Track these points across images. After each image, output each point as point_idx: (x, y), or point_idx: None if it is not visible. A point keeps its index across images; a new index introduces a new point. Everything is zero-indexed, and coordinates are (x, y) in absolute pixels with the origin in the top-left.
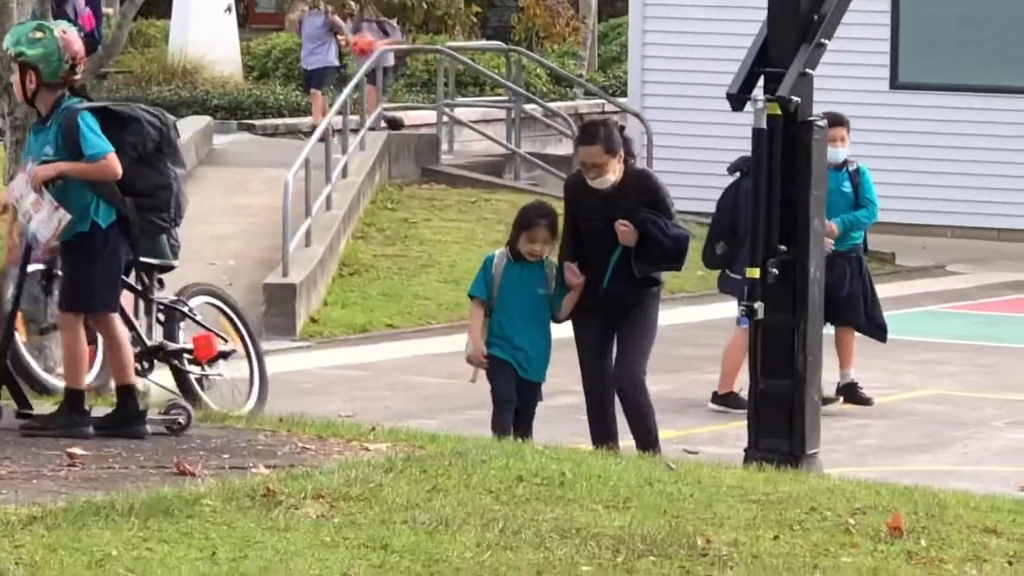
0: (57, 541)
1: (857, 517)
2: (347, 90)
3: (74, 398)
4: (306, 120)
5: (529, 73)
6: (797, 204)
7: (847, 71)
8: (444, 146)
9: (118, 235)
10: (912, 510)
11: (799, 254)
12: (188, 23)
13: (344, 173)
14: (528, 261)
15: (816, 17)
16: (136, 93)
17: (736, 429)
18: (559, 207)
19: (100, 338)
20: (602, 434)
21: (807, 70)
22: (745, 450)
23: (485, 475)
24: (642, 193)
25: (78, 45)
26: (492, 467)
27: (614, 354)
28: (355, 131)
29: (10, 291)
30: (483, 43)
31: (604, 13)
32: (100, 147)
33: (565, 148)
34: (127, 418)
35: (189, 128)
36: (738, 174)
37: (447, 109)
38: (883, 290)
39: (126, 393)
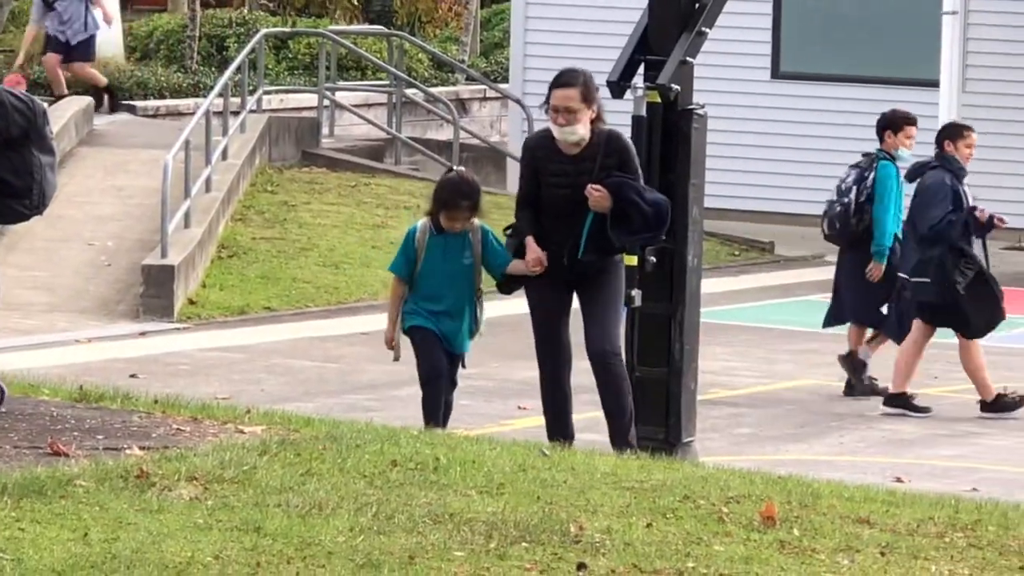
0: None
1: (731, 506)
2: (228, 71)
3: None
4: (188, 102)
5: (411, 58)
6: (676, 193)
7: (728, 60)
8: (325, 130)
9: None
10: (786, 499)
11: (678, 243)
12: None
13: (224, 155)
14: (449, 232)
15: (698, 5)
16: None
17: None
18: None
19: None
20: (557, 412)
21: (688, 58)
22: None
23: (359, 459)
24: (612, 155)
25: None
26: (366, 451)
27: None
28: (235, 113)
29: None
30: (365, 27)
31: None
32: None
33: (446, 133)
34: None
35: (70, 108)
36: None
37: (328, 93)
38: (762, 279)
39: None
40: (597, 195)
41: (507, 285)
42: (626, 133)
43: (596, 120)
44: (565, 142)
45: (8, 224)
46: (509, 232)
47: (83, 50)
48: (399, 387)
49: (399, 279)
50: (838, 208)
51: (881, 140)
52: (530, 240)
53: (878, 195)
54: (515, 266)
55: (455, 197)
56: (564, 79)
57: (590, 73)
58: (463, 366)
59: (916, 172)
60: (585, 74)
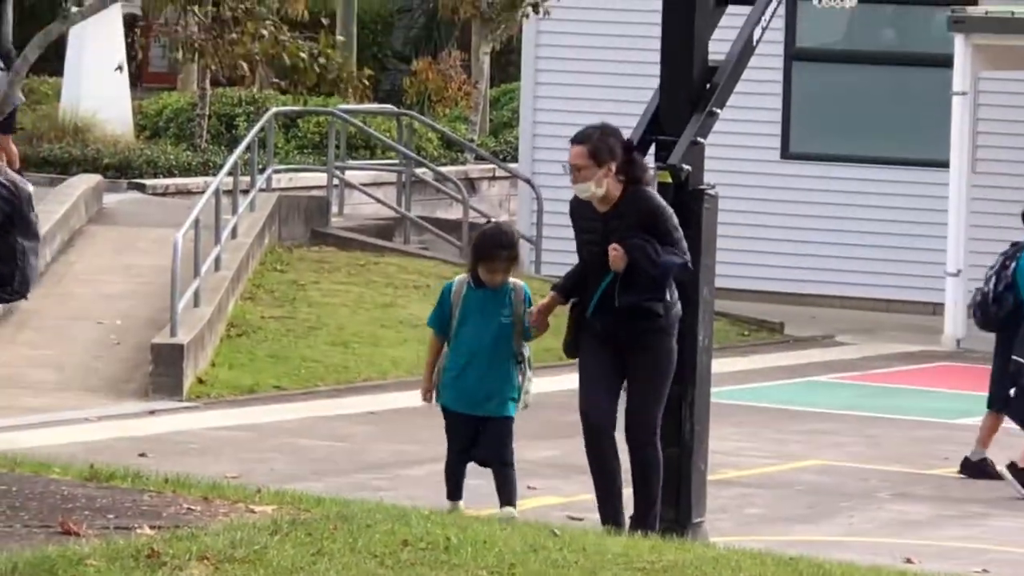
0: None
1: None
2: (238, 150)
3: None
4: (198, 180)
5: (420, 137)
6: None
7: (738, 140)
8: (334, 209)
9: None
10: None
11: (688, 323)
12: (80, 81)
13: (234, 234)
14: (489, 287)
15: (708, 86)
16: (27, 151)
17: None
18: (449, 271)
19: None
20: (601, 475)
21: (699, 139)
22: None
23: (370, 539)
24: (640, 215)
25: None
26: (377, 531)
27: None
28: (245, 192)
29: None
30: (375, 106)
31: (496, 78)
32: None
33: (456, 212)
34: None
35: (79, 186)
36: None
37: (338, 172)
38: (771, 359)
39: None
40: (614, 255)
41: (570, 350)
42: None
43: (629, 177)
44: (581, 197)
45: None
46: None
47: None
48: (409, 466)
49: (436, 334)
50: (979, 297)
51: None
52: (551, 293)
53: (1019, 284)
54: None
55: (493, 247)
56: (577, 136)
57: (613, 130)
58: (509, 434)
59: None
60: (601, 132)
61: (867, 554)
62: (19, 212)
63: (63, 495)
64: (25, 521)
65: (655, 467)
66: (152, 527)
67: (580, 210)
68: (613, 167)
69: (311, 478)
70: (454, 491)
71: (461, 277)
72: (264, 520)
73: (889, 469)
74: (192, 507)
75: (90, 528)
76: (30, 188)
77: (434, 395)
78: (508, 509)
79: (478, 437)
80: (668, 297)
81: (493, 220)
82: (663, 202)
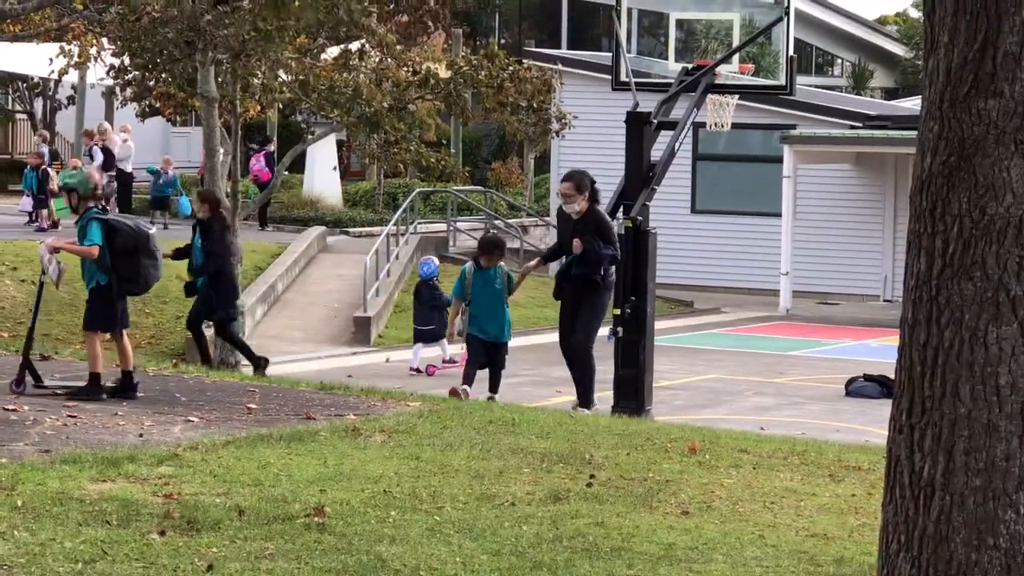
0: (239, 454)
1: (672, 443)
2: (399, 212)
3: (96, 377)
4: (377, 228)
5: (496, 203)
6: (639, 274)
7: (668, 202)
8: (451, 243)
9: (109, 291)
10: (701, 439)
11: (641, 302)
12: (313, 175)
13: (397, 257)
14: (487, 268)
15: (651, 174)
16: (284, 214)
17: (607, 396)
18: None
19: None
20: (581, 378)
21: (646, 203)
22: (612, 406)
23: (472, 419)
24: (595, 224)
25: (98, 177)
26: (475, 415)
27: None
28: (402, 234)
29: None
30: (472, 187)
31: (537, 172)
32: (92, 239)
33: (515, 244)
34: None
35: (313, 233)
36: None
37: (452, 223)
38: (686, 321)
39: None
40: (575, 244)
41: (557, 296)
42: None
43: (591, 200)
44: (569, 213)
45: (127, 295)
46: (545, 256)
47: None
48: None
49: (457, 299)
50: None
51: None
52: (535, 261)
53: None
54: (518, 278)
55: (491, 247)
56: (566, 176)
57: (585, 173)
58: (506, 352)
59: None
60: (582, 175)
61: (738, 426)
62: (141, 244)
63: (306, 398)
64: (285, 412)
65: (590, 368)
66: (355, 414)
67: (562, 216)
68: (587, 194)
69: (439, 387)
70: (468, 381)
71: (469, 264)
72: (414, 410)
73: (750, 379)
74: (375, 404)
75: (321, 415)
76: (151, 231)
77: (456, 336)
78: (492, 395)
79: (488, 353)
80: (603, 271)
81: (491, 232)
82: (608, 218)
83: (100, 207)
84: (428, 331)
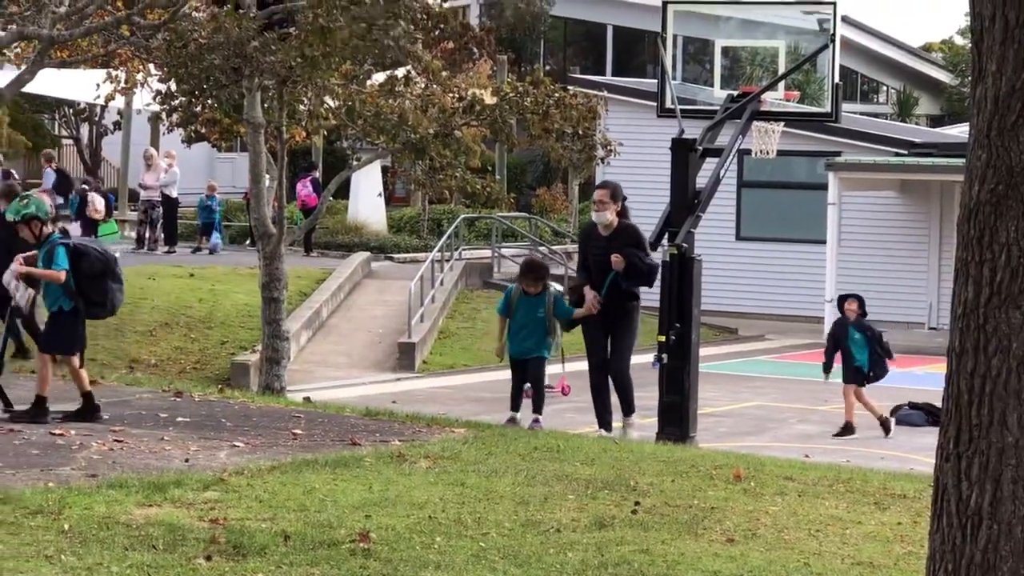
0: (285, 480)
1: (717, 470)
2: (443, 238)
3: (42, 400)
4: (421, 255)
5: (541, 230)
6: (685, 301)
7: (713, 229)
8: (495, 268)
9: (73, 315)
10: (746, 466)
11: (686, 328)
12: (358, 201)
13: (442, 283)
14: (532, 295)
15: (696, 201)
16: (329, 240)
17: (651, 423)
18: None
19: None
20: (601, 404)
21: (691, 230)
22: (656, 433)
23: (516, 446)
24: (628, 238)
25: (50, 200)
26: (520, 442)
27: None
28: (447, 260)
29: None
30: (516, 214)
31: (581, 198)
32: (59, 264)
33: (560, 270)
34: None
35: (358, 258)
36: None
37: (497, 249)
38: (729, 349)
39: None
40: (616, 260)
41: (570, 326)
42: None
43: (621, 215)
44: (600, 224)
45: (93, 319)
46: (571, 288)
47: None
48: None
49: (502, 317)
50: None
51: None
52: (587, 289)
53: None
54: (579, 312)
55: (527, 272)
56: (601, 184)
57: (619, 185)
58: (541, 367)
59: None
60: (616, 185)
61: (784, 453)
62: (108, 268)
63: (351, 424)
64: (330, 438)
65: (629, 387)
66: (400, 440)
67: (589, 235)
68: (619, 206)
69: (486, 414)
70: (515, 406)
71: (516, 286)
72: (459, 436)
73: (795, 406)
74: (420, 430)
75: (366, 441)
76: (116, 254)
77: (503, 352)
78: (535, 415)
79: (525, 372)
80: (649, 285)
81: (531, 254)
82: (641, 231)
83: (62, 231)
84: None
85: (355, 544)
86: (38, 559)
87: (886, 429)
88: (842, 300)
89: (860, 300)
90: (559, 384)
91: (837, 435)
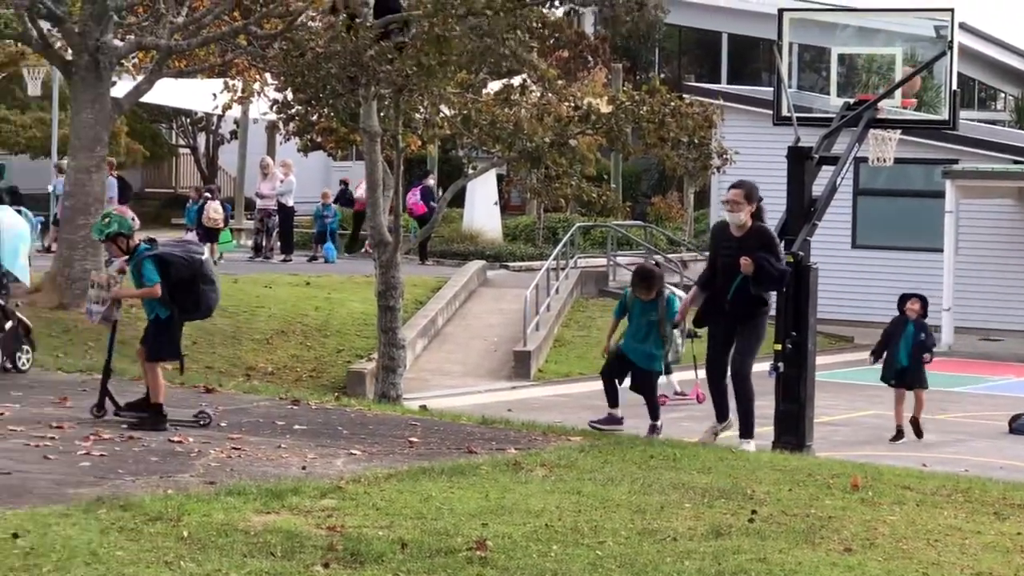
0: (401, 487)
1: (834, 479)
2: (558, 247)
3: (158, 407)
4: (537, 263)
5: (656, 238)
6: (801, 310)
7: (828, 237)
8: (611, 277)
9: (169, 322)
10: (863, 475)
11: (803, 337)
12: (473, 209)
13: (557, 292)
14: (646, 301)
15: (812, 209)
16: (444, 248)
17: (767, 432)
18: None
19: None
20: (718, 403)
21: (807, 238)
22: (773, 442)
23: (632, 454)
24: (760, 240)
25: (130, 213)
26: (636, 450)
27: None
28: (563, 269)
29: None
30: (632, 222)
31: (696, 207)
32: (150, 279)
33: (676, 279)
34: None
35: (473, 267)
36: None
37: (612, 257)
38: (845, 358)
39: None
40: (746, 263)
41: (699, 324)
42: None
43: (756, 216)
44: (732, 224)
45: (188, 321)
46: (692, 297)
47: None
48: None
49: (615, 318)
50: None
51: None
52: (694, 289)
53: None
54: (680, 311)
55: (639, 281)
56: (735, 184)
57: (755, 186)
58: (652, 381)
59: None
60: (751, 185)
61: (901, 461)
62: (199, 271)
63: (467, 432)
64: (447, 446)
65: (751, 396)
66: (516, 449)
67: (720, 234)
68: (753, 207)
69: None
70: (612, 402)
71: (630, 291)
72: (576, 445)
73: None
74: (536, 438)
75: (482, 449)
76: (203, 256)
77: (610, 350)
78: (654, 424)
79: (632, 373)
80: (780, 291)
81: (645, 262)
82: (775, 234)
83: (148, 240)
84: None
85: (472, 552)
86: (158, 565)
87: (899, 437)
88: (905, 299)
89: (924, 301)
90: (693, 392)
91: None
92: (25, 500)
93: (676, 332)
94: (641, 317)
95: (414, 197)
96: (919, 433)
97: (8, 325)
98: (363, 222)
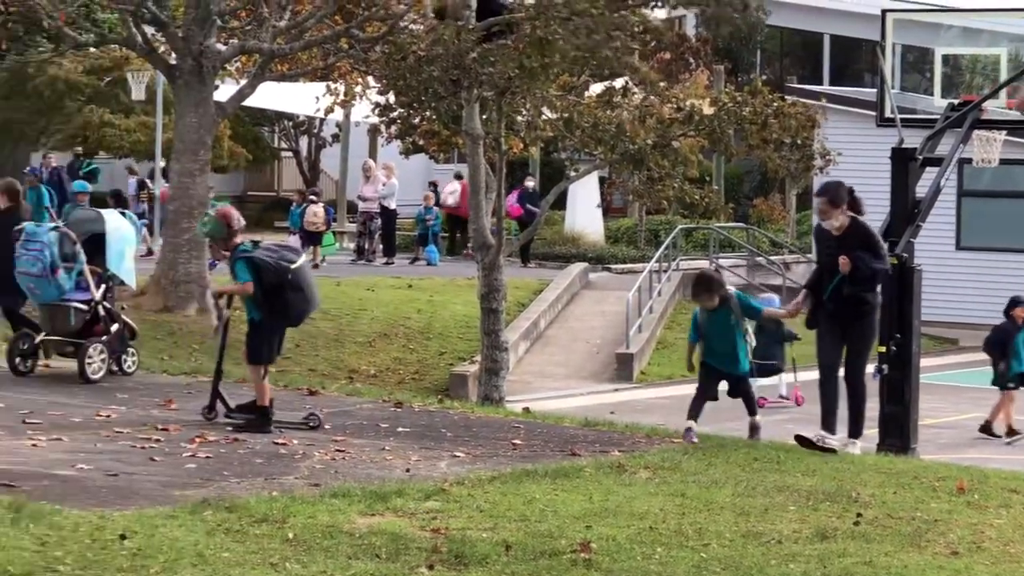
0: (505, 490)
1: (940, 482)
2: (661, 248)
3: (264, 410)
4: (639, 265)
5: (758, 240)
6: (905, 312)
7: (932, 238)
8: None
9: (261, 325)
10: (969, 478)
11: (906, 339)
12: (575, 212)
13: (659, 294)
14: (711, 311)
15: (916, 211)
16: (546, 250)
17: (872, 434)
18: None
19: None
20: (827, 405)
21: (911, 239)
22: (877, 444)
23: (736, 457)
24: (857, 238)
25: (232, 211)
26: (740, 453)
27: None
28: (665, 271)
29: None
30: (734, 224)
31: (799, 208)
32: (242, 278)
33: (777, 280)
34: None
35: (575, 269)
36: None
37: (715, 260)
38: (949, 360)
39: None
40: (843, 262)
41: (810, 325)
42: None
43: (854, 210)
44: (828, 227)
45: (289, 327)
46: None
47: None
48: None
49: (691, 343)
50: None
51: None
52: (803, 292)
53: None
54: (771, 312)
55: (695, 289)
56: (819, 191)
57: (840, 184)
58: (749, 378)
59: None
60: (838, 186)
61: (1007, 465)
62: (285, 279)
63: (570, 434)
64: (550, 448)
65: (863, 396)
66: (619, 451)
67: (821, 235)
68: (844, 207)
69: (703, 424)
70: (693, 415)
71: (698, 309)
72: (679, 447)
73: (1018, 418)
74: (640, 440)
75: (585, 452)
76: (294, 264)
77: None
78: (753, 419)
79: (724, 380)
80: (874, 290)
81: (704, 269)
82: (873, 229)
83: (251, 243)
84: (767, 365)
85: (576, 554)
86: (264, 567)
87: (1001, 435)
88: (1014, 304)
89: None
90: (792, 394)
91: (1011, 436)
92: (132, 502)
93: (749, 330)
94: (717, 327)
95: (511, 200)
96: (1013, 432)
97: (114, 328)
98: (456, 225)
